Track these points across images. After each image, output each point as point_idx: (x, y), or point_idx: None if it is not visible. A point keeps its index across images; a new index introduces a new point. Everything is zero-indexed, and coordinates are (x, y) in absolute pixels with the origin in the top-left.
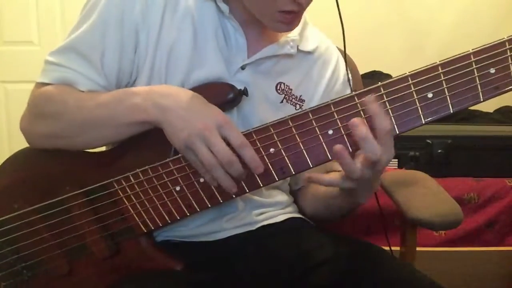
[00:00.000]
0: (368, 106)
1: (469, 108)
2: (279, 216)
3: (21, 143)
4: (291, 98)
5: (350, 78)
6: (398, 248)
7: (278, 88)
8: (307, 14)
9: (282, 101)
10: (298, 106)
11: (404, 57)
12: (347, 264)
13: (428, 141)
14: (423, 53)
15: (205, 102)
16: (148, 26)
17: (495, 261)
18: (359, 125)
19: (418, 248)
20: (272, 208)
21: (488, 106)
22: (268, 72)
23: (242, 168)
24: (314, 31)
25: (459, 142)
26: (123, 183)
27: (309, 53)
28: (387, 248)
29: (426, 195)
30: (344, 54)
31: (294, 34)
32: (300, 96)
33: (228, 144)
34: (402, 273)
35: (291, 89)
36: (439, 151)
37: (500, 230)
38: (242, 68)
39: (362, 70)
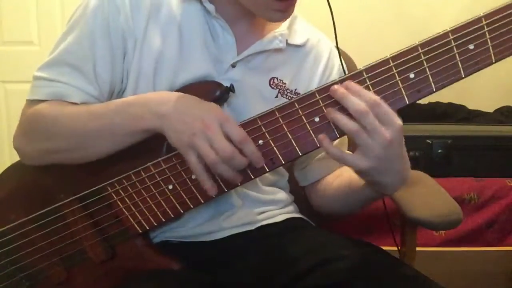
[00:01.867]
0: (335, 96)
1: (469, 108)
2: (279, 216)
3: None
4: (285, 92)
5: (345, 68)
6: (398, 248)
7: (271, 83)
8: (301, 11)
9: (276, 96)
10: None
11: None
12: (348, 264)
13: (428, 141)
14: None
15: (202, 101)
16: (134, 32)
17: (495, 261)
18: (338, 89)
19: (418, 248)
20: (272, 206)
21: (488, 106)
22: (259, 68)
23: (245, 161)
24: (304, 25)
25: (459, 142)
26: (116, 186)
27: (299, 46)
28: (387, 248)
29: (426, 195)
30: (337, 47)
31: (282, 28)
32: (295, 89)
33: (230, 140)
34: (402, 273)
35: (284, 83)
36: (439, 151)
37: (500, 230)
38: (233, 66)
39: None
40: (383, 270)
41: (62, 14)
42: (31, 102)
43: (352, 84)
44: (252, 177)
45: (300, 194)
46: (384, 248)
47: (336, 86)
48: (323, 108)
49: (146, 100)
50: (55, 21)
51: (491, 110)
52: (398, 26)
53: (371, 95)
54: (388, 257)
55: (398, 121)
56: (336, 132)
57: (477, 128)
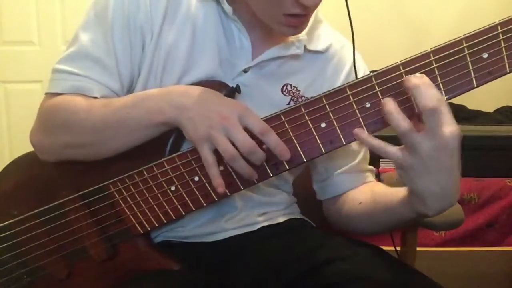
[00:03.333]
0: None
1: (469, 108)
2: (280, 217)
3: (21, 143)
4: (299, 100)
5: (366, 72)
6: (398, 248)
7: (284, 89)
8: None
9: (289, 103)
10: None
11: (405, 57)
12: (348, 264)
13: None
14: None
15: (220, 95)
16: (152, 28)
17: (495, 261)
18: (388, 103)
19: (418, 248)
20: (273, 208)
21: (488, 106)
22: (272, 74)
23: (264, 155)
24: (327, 30)
25: None
26: (119, 185)
27: (320, 52)
28: (387, 248)
29: None
30: (353, 53)
31: (301, 34)
32: (311, 97)
33: (251, 132)
34: (402, 273)
35: (299, 90)
36: None
37: (500, 230)
38: (245, 71)
39: None
40: (383, 270)
41: (62, 14)
42: (50, 95)
43: (425, 78)
44: (271, 174)
45: (301, 195)
46: (384, 248)
47: (411, 76)
48: (330, 114)
49: (165, 93)
50: (55, 21)
51: (491, 110)
52: (398, 28)
53: (402, 127)
54: (388, 257)
55: (457, 126)
56: (342, 139)
57: (477, 128)
